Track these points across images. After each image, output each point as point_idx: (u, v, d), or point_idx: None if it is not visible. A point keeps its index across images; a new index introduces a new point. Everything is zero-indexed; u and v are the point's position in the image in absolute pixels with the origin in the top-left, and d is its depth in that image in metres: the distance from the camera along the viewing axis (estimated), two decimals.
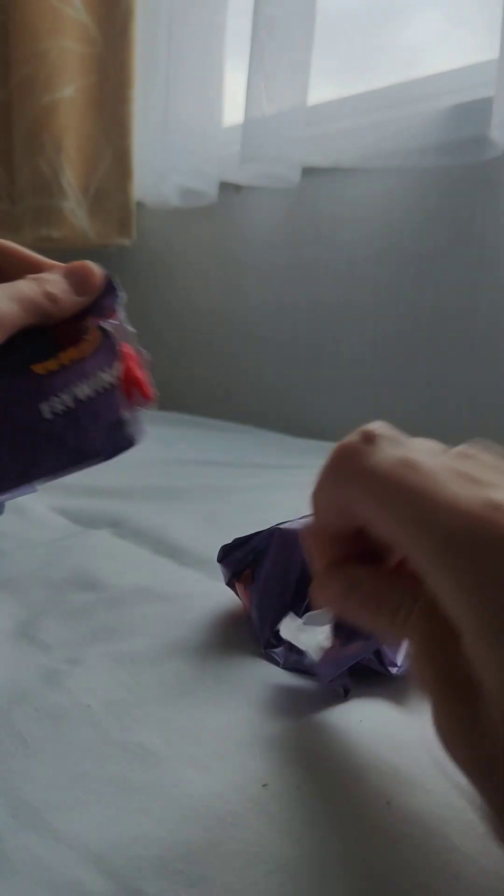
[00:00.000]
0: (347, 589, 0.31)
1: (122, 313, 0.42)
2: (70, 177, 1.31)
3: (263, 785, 0.32)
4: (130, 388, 0.41)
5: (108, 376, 0.40)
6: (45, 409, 0.38)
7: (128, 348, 0.41)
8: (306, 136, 1.11)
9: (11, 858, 0.29)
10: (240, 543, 0.48)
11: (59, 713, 0.38)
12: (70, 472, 0.39)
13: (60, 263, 0.44)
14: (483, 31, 1.00)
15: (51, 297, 0.40)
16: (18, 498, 0.65)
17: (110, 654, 0.44)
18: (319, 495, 0.32)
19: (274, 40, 1.07)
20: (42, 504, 0.74)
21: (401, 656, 0.41)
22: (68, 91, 1.29)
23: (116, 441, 0.40)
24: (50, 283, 0.41)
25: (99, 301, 0.43)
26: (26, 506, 0.73)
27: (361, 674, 0.41)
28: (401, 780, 0.32)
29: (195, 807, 0.31)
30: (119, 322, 0.42)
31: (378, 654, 0.40)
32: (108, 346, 0.40)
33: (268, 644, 0.44)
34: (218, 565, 0.49)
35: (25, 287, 0.40)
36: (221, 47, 1.24)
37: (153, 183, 1.34)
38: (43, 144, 1.29)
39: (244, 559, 0.47)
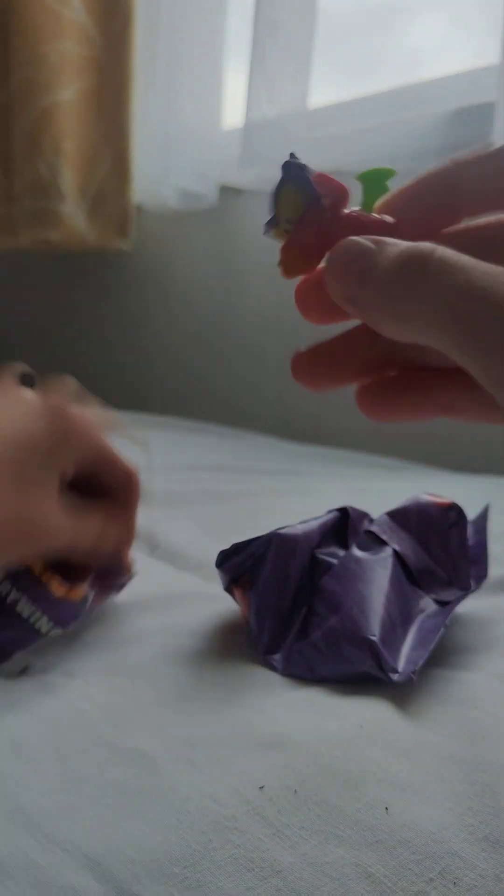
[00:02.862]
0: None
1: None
2: (69, 179, 1.31)
3: (260, 788, 0.31)
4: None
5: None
6: None
7: None
8: (307, 139, 1.11)
9: (6, 863, 0.28)
10: (238, 549, 0.47)
11: (55, 717, 0.37)
12: None
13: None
14: (486, 35, 1.00)
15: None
16: None
17: (106, 658, 0.44)
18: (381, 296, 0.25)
19: (275, 43, 1.07)
20: None
21: (401, 662, 0.41)
22: (68, 93, 1.29)
23: None
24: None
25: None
26: None
27: (362, 679, 0.40)
28: (400, 786, 0.32)
29: (191, 810, 0.30)
30: None
31: (378, 660, 0.40)
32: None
33: (266, 650, 0.44)
34: (216, 571, 0.49)
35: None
36: (221, 49, 1.24)
37: (152, 186, 1.34)
38: (42, 147, 1.29)
39: (243, 564, 0.47)
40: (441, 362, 0.28)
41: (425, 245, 0.24)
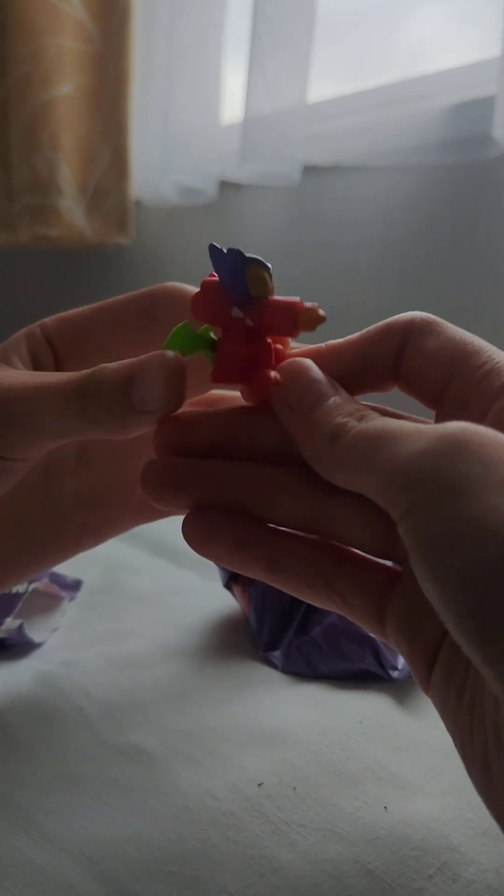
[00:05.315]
0: (265, 563, 0.27)
1: None
2: (67, 175, 1.30)
3: (259, 785, 0.31)
4: None
5: None
6: None
7: None
8: (307, 134, 1.11)
9: (3, 861, 0.28)
10: None
11: (53, 715, 0.37)
12: None
13: None
14: (486, 28, 1.00)
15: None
16: None
17: (106, 656, 0.43)
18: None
19: (273, 37, 1.07)
20: None
21: (401, 660, 0.40)
22: (66, 89, 1.29)
23: None
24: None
25: None
26: None
27: (361, 676, 0.40)
28: (399, 783, 0.32)
29: (189, 807, 0.30)
30: None
31: (378, 657, 0.40)
32: None
33: (266, 646, 0.44)
34: (216, 567, 0.49)
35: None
36: (220, 44, 1.23)
37: (152, 181, 1.34)
38: (40, 142, 1.28)
39: None
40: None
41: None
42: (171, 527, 0.65)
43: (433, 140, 1.02)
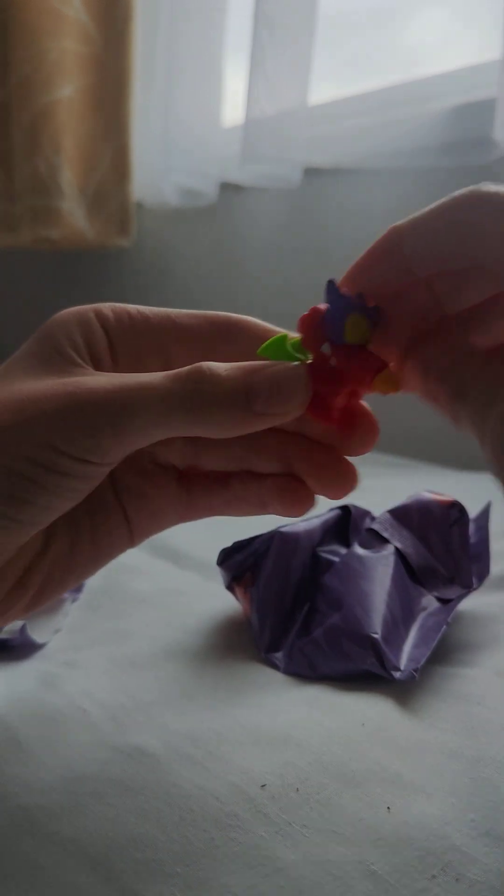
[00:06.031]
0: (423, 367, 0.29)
1: None
2: (69, 177, 1.31)
3: (261, 786, 0.31)
4: None
5: None
6: None
7: None
8: (307, 136, 1.11)
9: (7, 864, 0.28)
10: (240, 547, 0.47)
11: (56, 716, 0.37)
12: None
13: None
14: (487, 30, 1.00)
15: None
16: None
17: (108, 657, 0.44)
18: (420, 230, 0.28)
19: (274, 39, 1.07)
20: None
21: (403, 660, 0.41)
22: (67, 91, 1.29)
23: None
24: None
25: None
26: None
27: (364, 677, 0.40)
28: (402, 784, 0.32)
29: (192, 808, 0.30)
30: None
31: (380, 657, 0.40)
32: None
33: (268, 648, 0.44)
34: (218, 569, 0.49)
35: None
36: (221, 46, 1.24)
37: (152, 183, 1.34)
38: (42, 144, 1.29)
39: (244, 563, 0.47)
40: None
41: None
42: (172, 529, 0.65)
43: (434, 142, 1.02)
